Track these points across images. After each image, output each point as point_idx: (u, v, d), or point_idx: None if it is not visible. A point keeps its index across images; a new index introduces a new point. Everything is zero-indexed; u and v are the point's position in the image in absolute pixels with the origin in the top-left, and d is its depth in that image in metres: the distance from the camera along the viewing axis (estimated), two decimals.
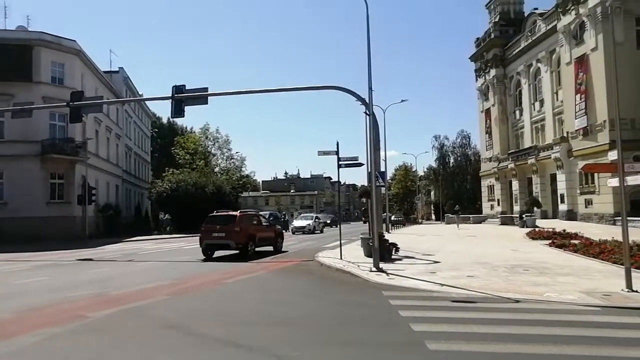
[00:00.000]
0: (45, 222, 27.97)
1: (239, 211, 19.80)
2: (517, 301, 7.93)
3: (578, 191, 32.67)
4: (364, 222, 53.72)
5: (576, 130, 32.26)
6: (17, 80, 29.20)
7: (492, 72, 47.72)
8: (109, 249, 23.29)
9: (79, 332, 6.52)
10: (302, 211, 75.90)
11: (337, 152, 15.29)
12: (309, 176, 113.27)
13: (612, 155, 25.35)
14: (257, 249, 18.16)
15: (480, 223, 44.23)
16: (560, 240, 17.69)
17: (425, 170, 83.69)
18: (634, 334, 5.93)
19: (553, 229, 22.78)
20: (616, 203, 27.08)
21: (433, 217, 79.81)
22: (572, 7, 32.50)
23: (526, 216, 32.66)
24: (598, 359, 4.92)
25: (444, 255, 15.43)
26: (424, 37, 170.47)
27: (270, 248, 19.36)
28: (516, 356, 5.05)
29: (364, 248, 15.62)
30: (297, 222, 37.49)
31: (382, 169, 23.17)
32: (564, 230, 20.98)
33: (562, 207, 34.43)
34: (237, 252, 17.14)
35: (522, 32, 42.82)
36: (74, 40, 32.30)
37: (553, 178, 36.82)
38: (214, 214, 18.92)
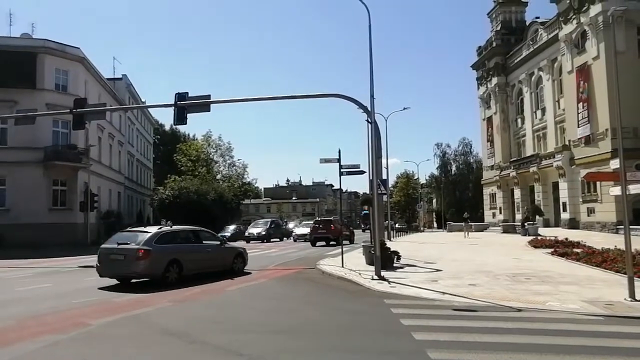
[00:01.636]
0: (47, 228, 27.98)
1: (332, 217, 32.92)
2: (519, 310, 7.92)
3: (580, 199, 32.56)
4: (363, 231, 53.75)
5: (578, 139, 32.21)
6: (21, 87, 29.32)
7: (494, 80, 47.75)
8: None
9: (81, 340, 6.53)
10: (304, 219, 75.70)
11: (339, 160, 15.32)
12: (311, 183, 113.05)
13: (614, 164, 25.28)
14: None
15: (482, 231, 44.07)
16: (563, 249, 17.57)
17: (427, 178, 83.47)
18: (636, 344, 5.91)
19: (555, 237, 22.65)
20: (618, 211, 26.98)
21: (435, 225, 79.59)
22: (574, 16, 32.59)
23: (528, 224, 32.55)
24: None
25: (445, 264, 15.38)
26: (426, 45, 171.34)
27: (347, 242, 26.80)
28: None
29: (365, 256, 15.59)
30: (299, 230, 37.46)
31: (384, 177, 23.12)
32: (566, 239, 20.86)
33: (564, 216, 34.31)
34: (334, 243, 26.11)
35: (524, 40, 42.88)
36: (78, 48, 32.51)
37: (555, 186, 36.70)
38: (318, 219, 32.17)
